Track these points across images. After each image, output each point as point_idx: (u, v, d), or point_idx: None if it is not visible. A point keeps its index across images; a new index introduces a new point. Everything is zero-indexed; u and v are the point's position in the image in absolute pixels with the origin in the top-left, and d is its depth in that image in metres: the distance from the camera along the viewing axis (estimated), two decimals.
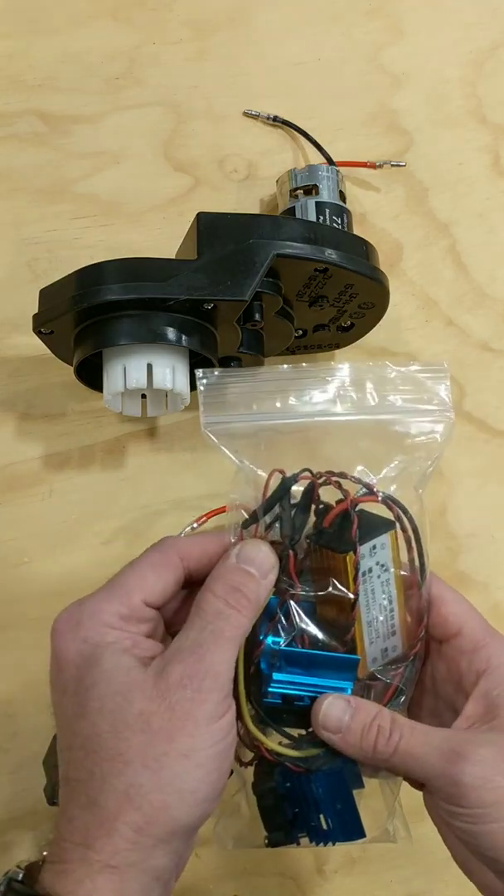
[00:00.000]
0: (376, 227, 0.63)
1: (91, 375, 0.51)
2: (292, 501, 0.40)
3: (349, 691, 0.39)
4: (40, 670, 0.52)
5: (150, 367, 0.49)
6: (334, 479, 0.40)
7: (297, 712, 0.39)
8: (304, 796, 0.39)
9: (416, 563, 0.41)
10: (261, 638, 0.39)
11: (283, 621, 0.39)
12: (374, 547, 0.39)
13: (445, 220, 0.64)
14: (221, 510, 0.53)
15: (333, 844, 0.39)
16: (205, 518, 0.52)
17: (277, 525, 0.40)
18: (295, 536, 0.39)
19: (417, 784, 0.39)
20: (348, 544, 0.39)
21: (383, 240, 0.62)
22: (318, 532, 0.40)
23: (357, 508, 0.40)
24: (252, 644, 0.39)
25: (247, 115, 0.63)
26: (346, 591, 0.39)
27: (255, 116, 0.63)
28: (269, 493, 0.40)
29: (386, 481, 0.41)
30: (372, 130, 0.64)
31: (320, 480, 0.40)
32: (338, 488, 0.40)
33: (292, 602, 0.39)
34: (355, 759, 0.38)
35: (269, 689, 0.38)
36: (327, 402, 0.43)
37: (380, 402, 0.43)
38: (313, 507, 0.40)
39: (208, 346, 0.50)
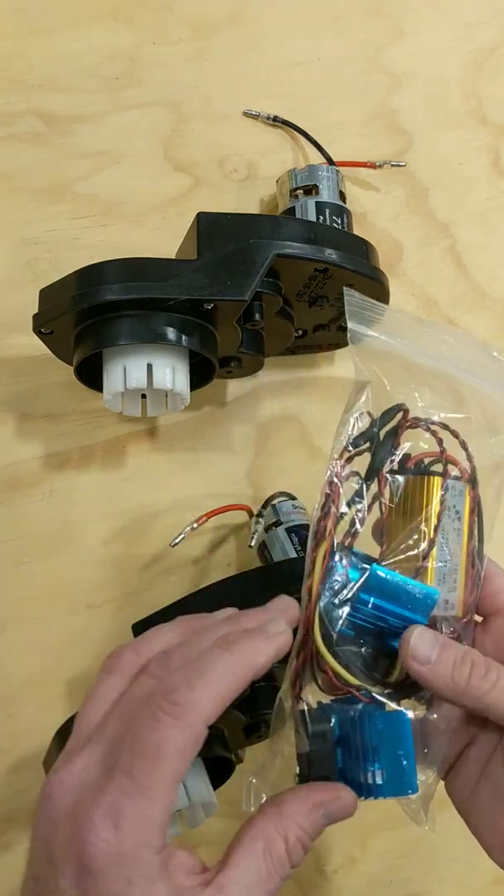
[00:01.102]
0: (376, 227, 0.63)
1: (91, 375, 0.51)
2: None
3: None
4: (41, 670, 0.52)
5: (150, 367, 0.49)
6: (423, 424, 0.41)
7: (362, 653, 0.39)
8: (363, 742, 0.37)
9: (476, 534, 0.41)
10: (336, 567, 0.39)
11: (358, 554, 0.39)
12: (455, 488, 0.40)
13: (445, 220, 0.64)
14: (222, 510, 0.53)
15: (385, 798, 0.37)
16: (205, 518, 0.52)
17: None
18: (383, 467, 0.40)
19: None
20: (437, 473, 0.40)
21: (383, 240, 0.62)
22: (404, 466, 0.41)
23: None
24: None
25: (247, 115, 0.63)
26: (430, 515, 0.39)
27: (255, 116, 0.63)
28: (356, 430, 0.41)
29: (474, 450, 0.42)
30: (372, 130, 0.64)
31: (407, 424, 0.41)
32: (433, 436, 0.41)
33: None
34: (439, 692, 0.37)
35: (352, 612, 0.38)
36: (463, 358, 0.43)
37: None
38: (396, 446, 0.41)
39: (208, 346, 0.50)
